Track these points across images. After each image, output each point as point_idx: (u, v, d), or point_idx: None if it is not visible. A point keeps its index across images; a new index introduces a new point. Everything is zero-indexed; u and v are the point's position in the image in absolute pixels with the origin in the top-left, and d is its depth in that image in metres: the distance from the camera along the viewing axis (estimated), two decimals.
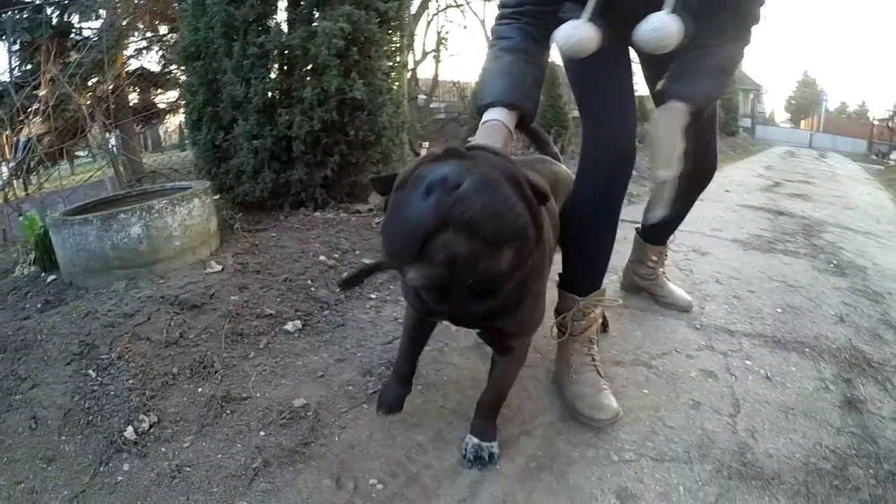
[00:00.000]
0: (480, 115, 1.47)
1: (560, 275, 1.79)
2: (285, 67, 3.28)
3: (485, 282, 0.98)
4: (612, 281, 2.59)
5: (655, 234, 2.31)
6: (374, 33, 3.24)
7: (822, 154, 17.46)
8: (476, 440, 1.42)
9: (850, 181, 9.12)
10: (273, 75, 3.22)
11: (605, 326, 2.11)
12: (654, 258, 2.34)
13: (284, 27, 3.24)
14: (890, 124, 19.46)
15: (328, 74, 3.07)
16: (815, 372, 1.92)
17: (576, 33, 1.37)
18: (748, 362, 1.96)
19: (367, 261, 2.65)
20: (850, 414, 1.70)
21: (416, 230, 0.85)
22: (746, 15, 1.44)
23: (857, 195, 6.97)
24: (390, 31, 3.52)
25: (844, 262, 3.26)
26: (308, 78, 3.19)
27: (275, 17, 3.22)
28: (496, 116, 1.41)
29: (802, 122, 40.80)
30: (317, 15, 3.22)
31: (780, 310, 2.43)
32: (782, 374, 1.90)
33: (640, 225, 2.39)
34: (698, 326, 2.22)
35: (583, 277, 1.75)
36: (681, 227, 2.30)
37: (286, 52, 3.17)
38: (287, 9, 3.28)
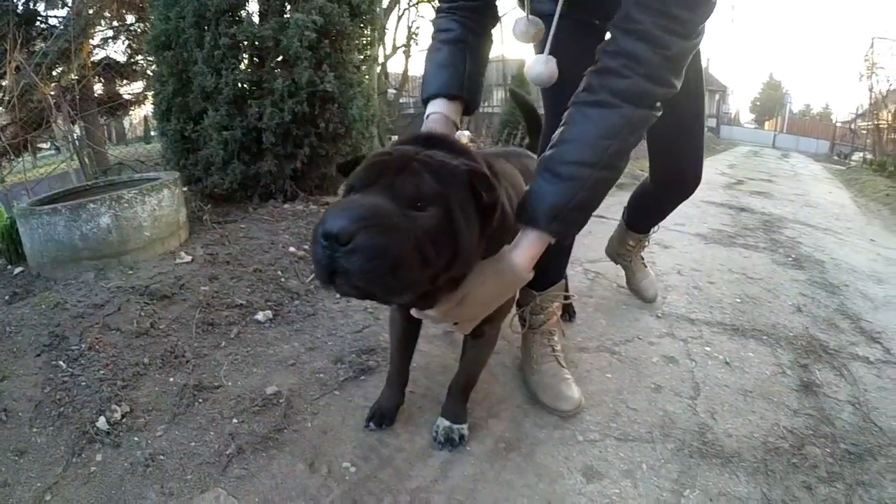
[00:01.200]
0: (425, 107, 1.47)
1: None
2: (256, 59, 3.26)
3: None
4: (575, 272, 2.65)
5: (637, 221, 2.33)
6: (346, 26, 3.25)
7: (784, 154, 17.96)
8: (447, 423, 1.46)
9: (812, 180, 9.38)
10: (244, 66, 3.21)
11: (570, 315, 2.17)
12: (631, 243, 2.37)
13: (256, 18, 3.22)
14: (852, 126, 20.00)
15: (299, 66, 3.08)
16: (772, 358, 2.00)
17: (535, 68, 1.36)
18: (708, 348, 2.03)
19: None
20: (807, 397, 1.78)
21: (318, 269, 0.94)
22: (623, 88, 1.13)
23: (818, 194, 7.18)
24: (362, 25, 3.53)
25: (803, 256, 3.37)
26: (279, 70, 3.19)
27: (247, 7, 3.20)
28: (439, 109, 1.41)
29: (767, 123, 41.75)
30: (289, 7, 3.22)
31: (739, 300, 2.51)
32: (741, 359, 1.97)
33: (625, 207, 2.40)
34: (660, 315, 2.29)
35: (541, 273, 1.77)
36: None
37: (258, 43, 3.16)
38: (259, 0, 3.27)
